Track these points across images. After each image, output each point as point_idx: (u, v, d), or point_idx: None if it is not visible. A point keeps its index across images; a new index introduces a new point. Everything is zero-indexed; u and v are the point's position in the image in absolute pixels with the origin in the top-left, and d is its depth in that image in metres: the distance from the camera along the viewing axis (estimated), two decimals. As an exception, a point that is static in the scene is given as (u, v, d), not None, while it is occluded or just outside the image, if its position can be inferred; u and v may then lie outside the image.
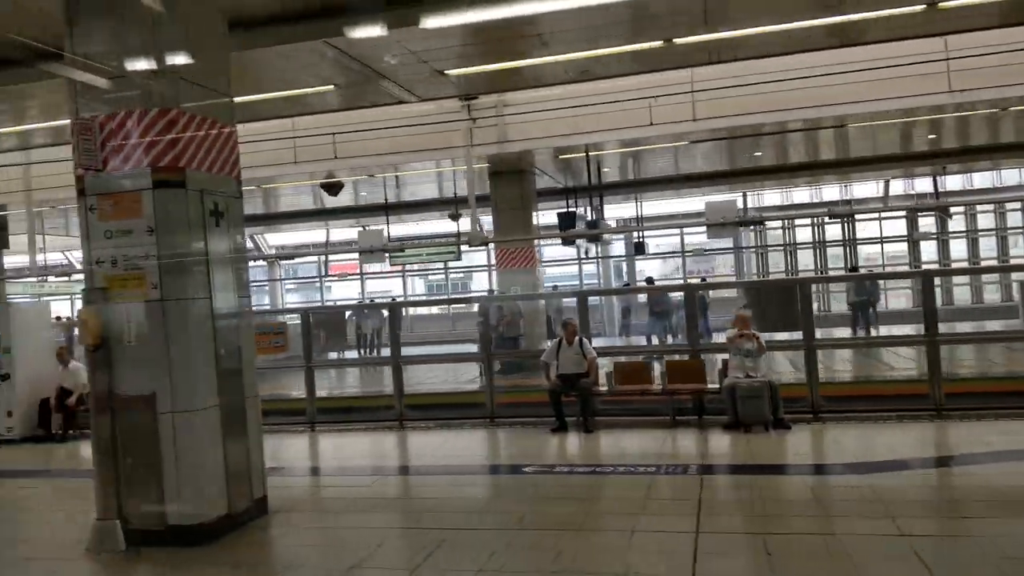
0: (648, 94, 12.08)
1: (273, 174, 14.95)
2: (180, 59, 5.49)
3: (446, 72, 8.28)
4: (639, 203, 21.16)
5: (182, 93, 5.47)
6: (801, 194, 27.89)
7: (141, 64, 5.36)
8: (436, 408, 10.56)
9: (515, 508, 5.75)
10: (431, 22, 6.58)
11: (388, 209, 18.67)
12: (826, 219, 20.80)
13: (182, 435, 5.34)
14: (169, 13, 5.43)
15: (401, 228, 28.21)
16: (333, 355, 14.22)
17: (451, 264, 25.95)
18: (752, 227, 20.39)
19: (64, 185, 14.24)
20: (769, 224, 27.88)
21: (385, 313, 14.81)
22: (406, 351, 10.86)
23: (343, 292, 31.85)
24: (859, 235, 25.40)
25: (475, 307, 20.96)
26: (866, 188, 26.38)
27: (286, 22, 6.67)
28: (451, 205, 22.59)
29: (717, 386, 8.54)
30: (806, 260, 27.09)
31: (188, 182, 5.45)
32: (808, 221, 26.47)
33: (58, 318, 14.83)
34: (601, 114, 12.49)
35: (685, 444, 7.69)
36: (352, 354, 17.42)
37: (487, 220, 25.07)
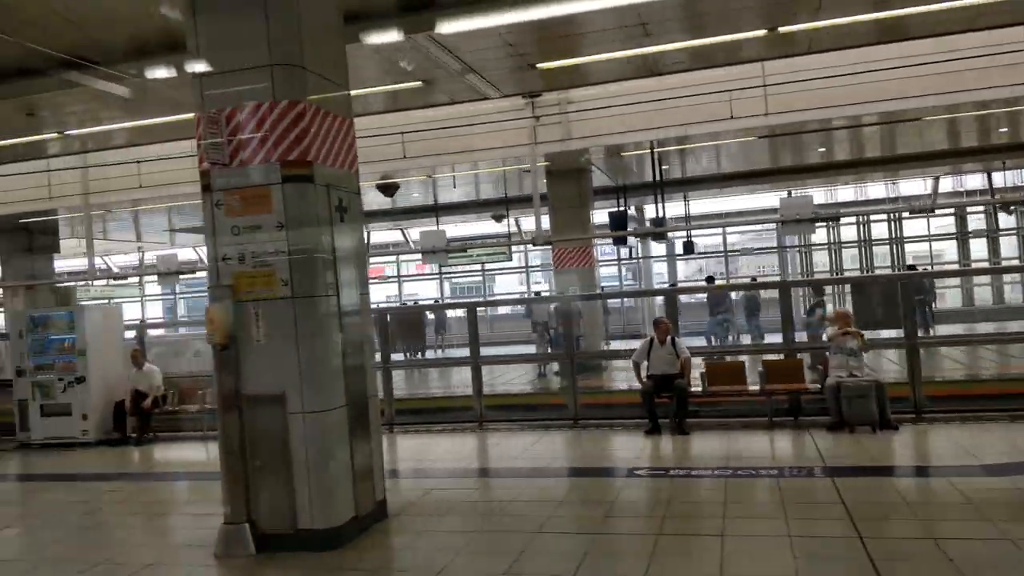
0: (716, 88, 11.84)
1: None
2: (306, 50, 5.34)
3: (537, 65, 8.10)
4: (687, 202, 20.91)
5: (309, 85, 5.33)
6: (845, 192, 27.51)
7: (267, 55, 5.21)
8: (514, 409, 10.39)
9: (647, 512, 5.55)
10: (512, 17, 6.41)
11: (438, 211, 18.54)
12: (904, 215, 20.29)
13: (312, 436, 5.18)
14: (290, 3, 5.29)
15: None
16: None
17: (501, 265, 25.71)
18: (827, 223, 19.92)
19: (122, 188, 14.37)
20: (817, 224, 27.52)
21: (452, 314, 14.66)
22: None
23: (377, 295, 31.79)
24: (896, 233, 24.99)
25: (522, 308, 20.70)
26: (912, 186, 25.92)
27: (391, 15, 6.52)
28: (492, 206, 22.55)
29: (817, 386, 8.32)
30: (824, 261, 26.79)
31: (316, 177, 5.31)
32: (853, 220, 26.06)
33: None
34: (667, 110, 12.27)
35: (795, 446, 7.45)
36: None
37: (526, 221, 25.17)
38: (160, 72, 7.45)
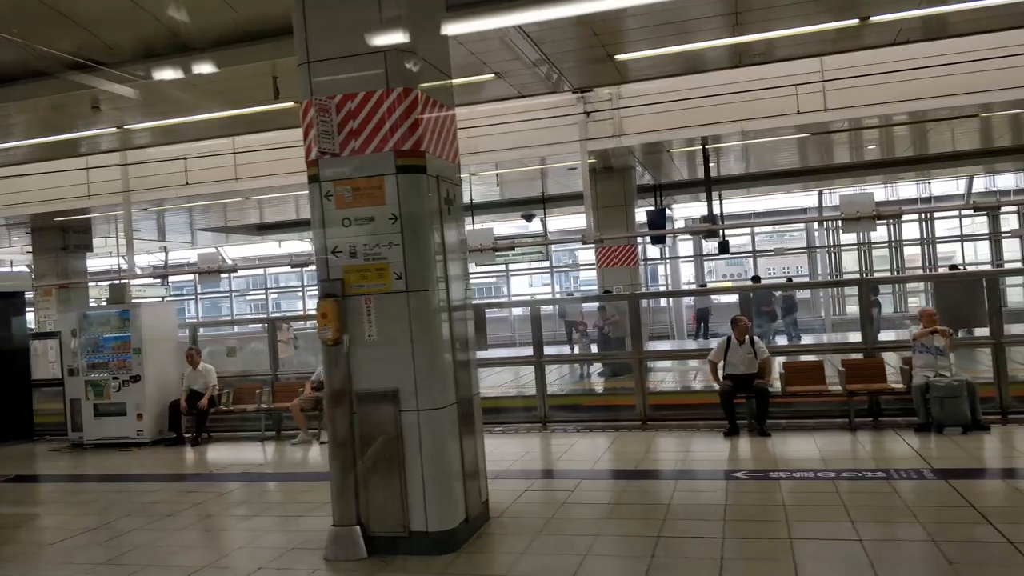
0: (769, 84, 11.64)
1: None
2: (417, 36, 5.17)
3: (616, 57, 7.92)
4: (720, 200, 20.65)
5: (421, 73, 5.16)
6: (879, 191, 27.21)
7: (380, 40, 5.04)
8: (573, 409, 10.21)
9: (767, 516, 5.35)
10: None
11: (473, 209, 18.36)
12: (969, 212, 19.97)
13: (427, 434, 5.00)
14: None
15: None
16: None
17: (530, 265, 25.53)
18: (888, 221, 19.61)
19: (170, 185, 14.24)
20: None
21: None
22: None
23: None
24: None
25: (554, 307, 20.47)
26: (945, 186, 25.64)
27: (487, 3, 6.34)
28: (523, 205, 22.34)
29: (901, 386, 8.12)
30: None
31: (428, 167, 5.13)
32: (915, 217, 25.56)
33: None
34: (720, 105, 12.08)
35: (888, 447, 7.25)
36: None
37: (555, 220, 24.95)
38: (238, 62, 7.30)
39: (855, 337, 17.89)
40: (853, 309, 26.90)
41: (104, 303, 16.95)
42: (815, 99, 11.94)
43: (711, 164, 14.79)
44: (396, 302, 5.03)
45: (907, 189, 25.89)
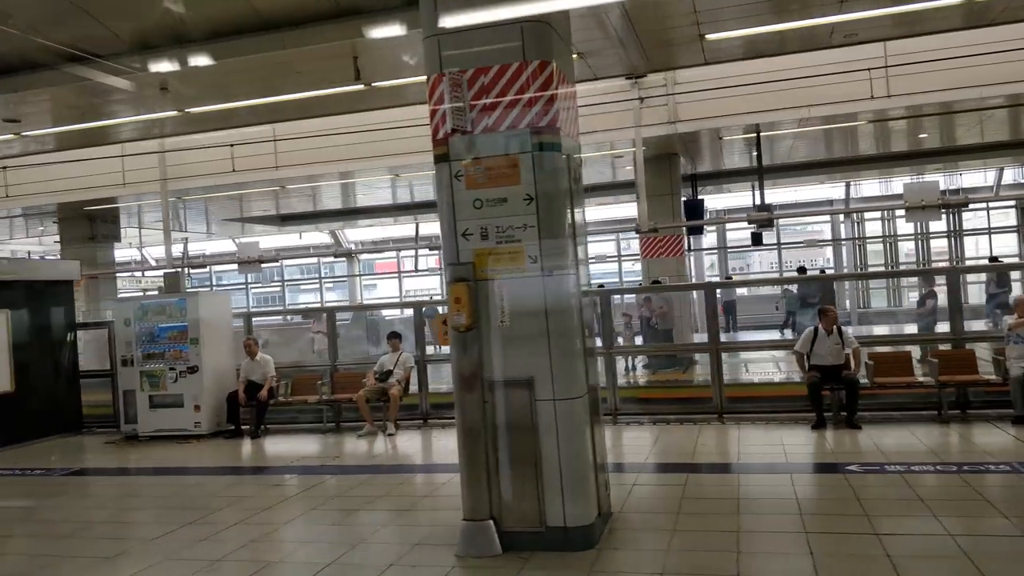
0: (829, 70, 11.39)
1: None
2: (550, 9, 4.92)
3: (707, 36, 7.66)
4: (763, 191, 20.40)
5: (554, 46, 4.91)
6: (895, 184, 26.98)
7: (516, 11, 4.78)
8: (645, 402, 10.01)
9: (910, 511, 5.14)
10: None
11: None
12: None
13: (563, 425, 4.77)
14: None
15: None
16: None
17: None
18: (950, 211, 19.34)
19: (215, 172, 13.97)
20: (868, 215, 27.14)
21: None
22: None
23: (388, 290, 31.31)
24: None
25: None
26: (973, 178, 25.41)
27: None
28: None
29: (995, 377, 7.92)
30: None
31: (563, 145, 4.90)
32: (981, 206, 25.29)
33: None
34: (778, 92, 11.84)
35: (994, 439, 7.04)
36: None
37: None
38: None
39: (879, 330, 17.78)
40: (880, 303, 26.93)
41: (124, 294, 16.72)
42: (879, 85, 11.73)
43: (754, 153, 14.56)
44: (531, 287, 4.80)
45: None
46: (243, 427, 9.81)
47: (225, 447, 9.25)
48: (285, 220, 23.83)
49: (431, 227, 28.73)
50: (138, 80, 8.10)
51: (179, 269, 12.61)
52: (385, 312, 20.70)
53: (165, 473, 8.17)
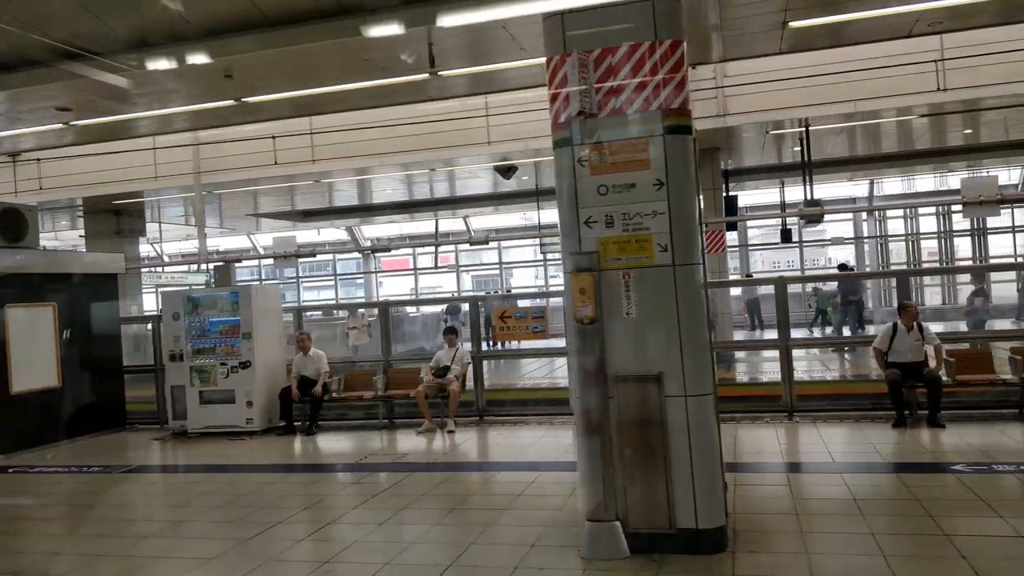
0: (882, 64, 11.19)
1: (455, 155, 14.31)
2: (676, -16, 4.70)
3: (790, 24, 7.45)
4: (811, 186, 20.13)
5: (683, 26, 4.70)
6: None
7: (643, -12, 4.57)
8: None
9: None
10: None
11: (540, 195, 17.90)
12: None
13: (694, 422, 4.57)
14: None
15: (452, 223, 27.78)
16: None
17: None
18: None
19: (258, 164, 13.73)
20: (889, 213, 26.97)
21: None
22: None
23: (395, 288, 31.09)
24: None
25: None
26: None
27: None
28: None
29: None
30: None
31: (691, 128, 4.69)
32: (933, 210, 25.43)
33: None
34: (826, 85, 11.62)
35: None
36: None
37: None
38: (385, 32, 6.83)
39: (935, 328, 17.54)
40: (934, 301, 26.72)
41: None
42: (929, 79, 11.52)
43: (796, 148, 14.38)
44: (660, 277, 4.59)
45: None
46: (295, 424, 9.59)
47: (281, 444, 9.03)
48: (307, 216, 23.61)
49: (450, 224, 28.62)
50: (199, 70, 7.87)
51: (230, 262, 12.34)
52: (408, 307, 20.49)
53: (229, 471, 7.93)
